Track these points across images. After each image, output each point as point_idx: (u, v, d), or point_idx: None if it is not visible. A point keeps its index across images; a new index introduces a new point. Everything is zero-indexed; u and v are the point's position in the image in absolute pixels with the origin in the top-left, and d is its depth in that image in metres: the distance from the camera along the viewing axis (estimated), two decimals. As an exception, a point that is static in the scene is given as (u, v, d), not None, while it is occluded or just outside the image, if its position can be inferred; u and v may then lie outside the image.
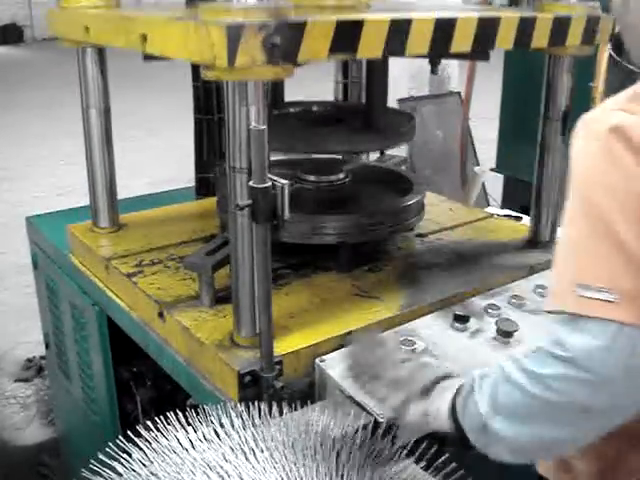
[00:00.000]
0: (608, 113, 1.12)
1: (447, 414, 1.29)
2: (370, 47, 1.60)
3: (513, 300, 1.91)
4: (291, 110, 2.50)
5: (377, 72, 2.23)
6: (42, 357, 4.00)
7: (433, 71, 2.36)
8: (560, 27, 1.97)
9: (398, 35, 1.64)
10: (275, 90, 2.43)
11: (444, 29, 1.72)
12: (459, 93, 5.33)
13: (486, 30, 1.82)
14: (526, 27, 1.90)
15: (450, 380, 1.35)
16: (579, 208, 1.12)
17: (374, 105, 2.23)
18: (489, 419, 1.19)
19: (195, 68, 2.74)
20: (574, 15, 1.99)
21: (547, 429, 1.14)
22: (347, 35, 1.55)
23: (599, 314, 1.06)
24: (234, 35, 1.38)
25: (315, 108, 2.48)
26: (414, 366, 1.42)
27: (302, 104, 2.53)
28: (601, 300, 1.06)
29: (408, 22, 1.65)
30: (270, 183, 1.46)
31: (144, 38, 1.67)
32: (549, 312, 1.16)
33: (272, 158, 2.00)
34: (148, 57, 2.03)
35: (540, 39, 1.95)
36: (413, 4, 2.62)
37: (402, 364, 1.43)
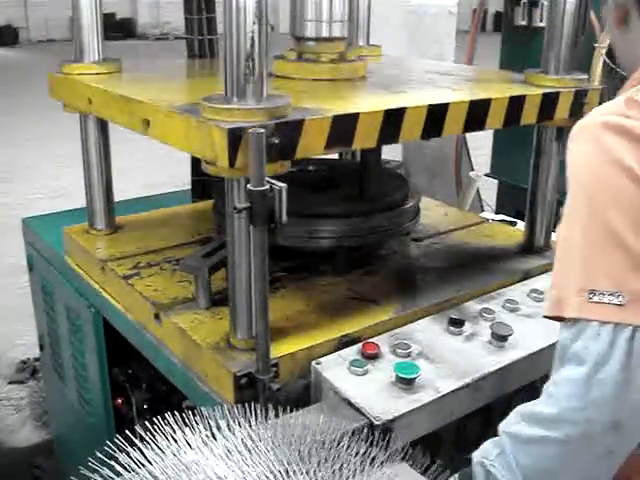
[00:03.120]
0: (604, 116, 1.16)
1: None
2: (365, 139, 1.67)
3: (508, 304, 1.92)
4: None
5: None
6: (36, 359, 4.00)
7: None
8: (548, 103, 2.00)
9: (392, 125, 1.71)
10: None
11: (436, 115, 1.78)
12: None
13: (477, 113, 1.86)
14: (515, 107, 1.93)
15: None
16: (580, 212, 1.13)
17: (367, 172, 2.23)
18: None
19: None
20: (562, 90, 2.02)
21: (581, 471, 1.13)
22: (343, 129, 1.62)
23: (611, 318, 1.07)
24: (235, 138, 1.45)
25: (310, 168, 2.47)
26: None
27: (297, 164, 2.52)
28: (612, 304, 1.06)
29: (402, 111, 1.71)
30: (268, 186, 1.47)
31: (147, 123, 1.73)
32: (548, 317, 1.18)
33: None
34: None
35: (529, 116, 1.98)
36: (406, 69, 2.65)
37: None
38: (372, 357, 1.67)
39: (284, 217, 1.50)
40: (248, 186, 1.48)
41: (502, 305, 1.93)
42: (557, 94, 2.01)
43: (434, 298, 1.95)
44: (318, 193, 2.21)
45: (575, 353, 1.09)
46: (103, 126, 2.28)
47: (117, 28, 23.25)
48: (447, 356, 1.71)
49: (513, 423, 1.20)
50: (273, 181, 1.49)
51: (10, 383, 4.04)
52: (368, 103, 1.76)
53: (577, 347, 1.09)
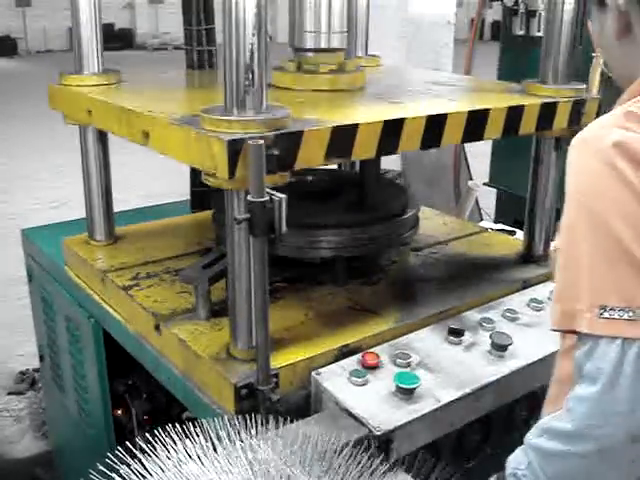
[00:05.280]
0: (606, 130, 1.15)
1: None
2: (364, 149, 1.68)
3: (507, 314, 1.93)
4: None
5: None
6: (35, 370, 3.99)
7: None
8: (547, 113, 2.01)
9: (391, 135, 1.71)
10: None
11: (435, 125, 1.78)
12: (452, 107, 5.35)
13: (475, 123, 1.87)
14: (514, 117, 1.94)
15: None
16: (585, 226, 1.13)
17: (367, 181, 2.23)
18: None
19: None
20: (560, 100, 2.03)
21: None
22: (342, 140, 1.62)
23: (621, 334, 1.07)
24: (234, 150, 1.45)
25: (309, 178, 2.48)
26: None
27: (297, 174, 2.53)
28: (622, 320, 1.07)
29: (401, 122, 1.71)
30: (268, 197, 1.47)
31: (146, 135, 1.74)
32: (556, 330, 1.19)
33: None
34: None
35: (528, 126, 1.99)
36: (405, 79, 2.66)
37: None
38: (372, 367, 1.67)
39: (284, 228, 1.50)
40: (248, 197, 1.49)
41: (502, 315, 1.93)
42: (555, 104, 2.02)
43: (433, 308, 1.95)
44: (318, 203, 2.21)
45: (588, 372, 1.11)
46: (103, 137, 2.28)
47: (116, 38, 23.23)
48: (447, 366, 1.71)
49: (535, 436, 1.21)
50: (273, 192, 1.49)
51: (9, 394, 4.03)
52: (367, 114, 1.76)
53: (589, 366, 1.10)
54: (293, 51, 2.16)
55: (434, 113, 1.78)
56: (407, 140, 1.74)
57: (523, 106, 1.95)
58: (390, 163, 4.53)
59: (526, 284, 2.13)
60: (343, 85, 2.12)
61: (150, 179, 8.08)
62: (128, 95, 2.15)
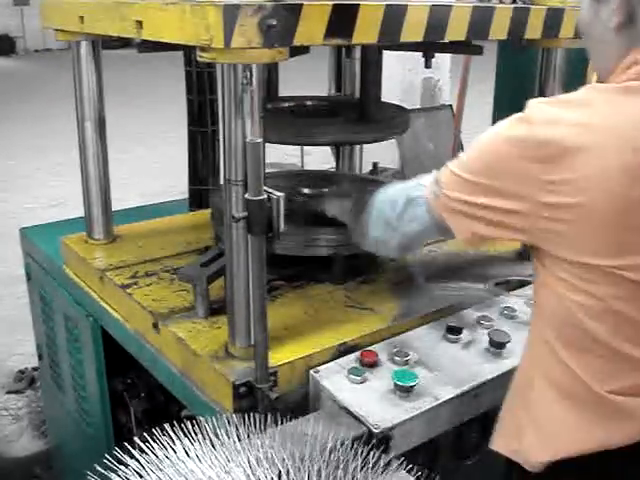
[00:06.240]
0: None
1: None
2: (365, 32, 1.62)
3: (505, 312, 1.93)
4: (285, 104, 2.51)
5: (371, 65, 2.23)
6: (34, 368, 3.99)
7: (427, 65, 2.36)
8: (553, 18, 2.00)
9: (393, 21, 1.66)
10: (269, 85, 2.43)
11: (439, 16, 1.75)
12: (451, 106, 5.36)
13: (480, 19, 1.84)
14: (520, 17, 1.93)
15: None
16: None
17: (368, 97, 2.23)
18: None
19: (189, 80, 2.75)
20: (567, 7, 2.02)
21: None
22: (343, 19, 1.56)
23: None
24: (230, 16, 1.39)
25: (309, 102, 2.48)
26: None
27: (296, 98, 2.54)
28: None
29: (403, 8, 1.67)
30: (266, 195, 1.47)
31: (139, 24, 1.67)
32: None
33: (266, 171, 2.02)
34: (143, 48, 2.02)
35: (534, 30, 1.98)
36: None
37: None
38: (370, 365, 1.68)
39: (282, 226, 1.51)
40: (246, 195, 1.49)
41: (500, 312, 1.93)
42: (562, 10, 2.01)
43: (431, 305, 1.96)
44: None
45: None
46: (102, 135, 2.29)
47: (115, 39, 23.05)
48: (445, 364, 1.71)
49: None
50: (271, 190, 1.49)
51: (8, 393, 4.03)
52: (369, 2, 1.68)
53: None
54: None
55: (438, 4, 1.75)
56: (409, 29, 1.69)
57: (529, 8, 1.95)
58: (388, 162, 4.53)
59: (524, 282, 2.13)
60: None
61: (149, 179, 8.08)
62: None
